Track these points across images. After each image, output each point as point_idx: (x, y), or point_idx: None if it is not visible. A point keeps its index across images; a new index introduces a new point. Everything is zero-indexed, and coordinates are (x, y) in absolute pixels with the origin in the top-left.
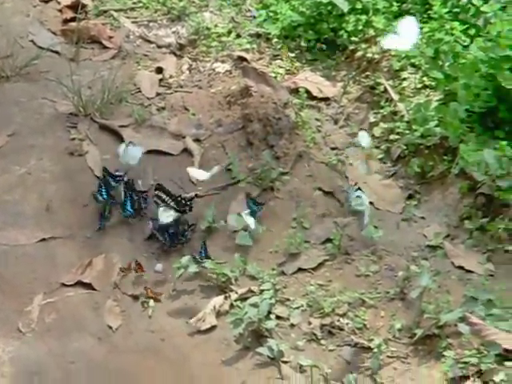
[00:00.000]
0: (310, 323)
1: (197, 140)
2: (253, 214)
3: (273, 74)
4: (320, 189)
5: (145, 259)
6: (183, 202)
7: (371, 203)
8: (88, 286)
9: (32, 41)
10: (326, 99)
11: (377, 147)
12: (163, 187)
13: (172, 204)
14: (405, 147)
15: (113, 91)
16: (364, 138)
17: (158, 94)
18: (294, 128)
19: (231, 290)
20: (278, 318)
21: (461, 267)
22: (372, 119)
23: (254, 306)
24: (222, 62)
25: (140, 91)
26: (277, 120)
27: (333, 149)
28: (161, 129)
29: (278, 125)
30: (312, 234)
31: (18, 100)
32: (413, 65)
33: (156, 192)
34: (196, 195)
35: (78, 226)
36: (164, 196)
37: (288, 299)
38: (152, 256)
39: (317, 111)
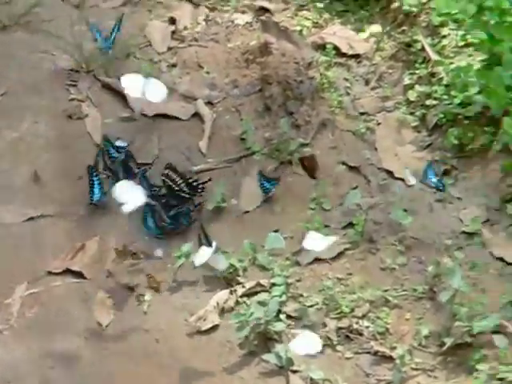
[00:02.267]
0: (324, 325)
1: (209, 103)
2: (266, 192)
3: (298, 28)
4: (344, 163)
5: (145, 242)
6: (195, 184)
7: (402, 180)
8: (78, 274)
9: None
10: (356, 56)
11: (411, 113)
12: (174, 167)
13: (183, 186)
14: (442, 115)
15: (119, 44)
16: None
17: (169, 49)
18: (318, 91)
19: (238, 283)
20: (288, 317)
21: (501, 259)
22: (407, 81)
23: (262, 304)
24: (243, 12)
25: (150, 45)
26: (298, 83)
27: (362, 114)
28: (170, 89)
29: (300, 89)
30: (332, 217)
31: (14, 53)
32: (455, 20)
33: (166, 171)
34: (209, 179)
35: (71, 202)
36: (175, 176)
37: (301, 295)
38: (153, 239)
39: (346, 70)
